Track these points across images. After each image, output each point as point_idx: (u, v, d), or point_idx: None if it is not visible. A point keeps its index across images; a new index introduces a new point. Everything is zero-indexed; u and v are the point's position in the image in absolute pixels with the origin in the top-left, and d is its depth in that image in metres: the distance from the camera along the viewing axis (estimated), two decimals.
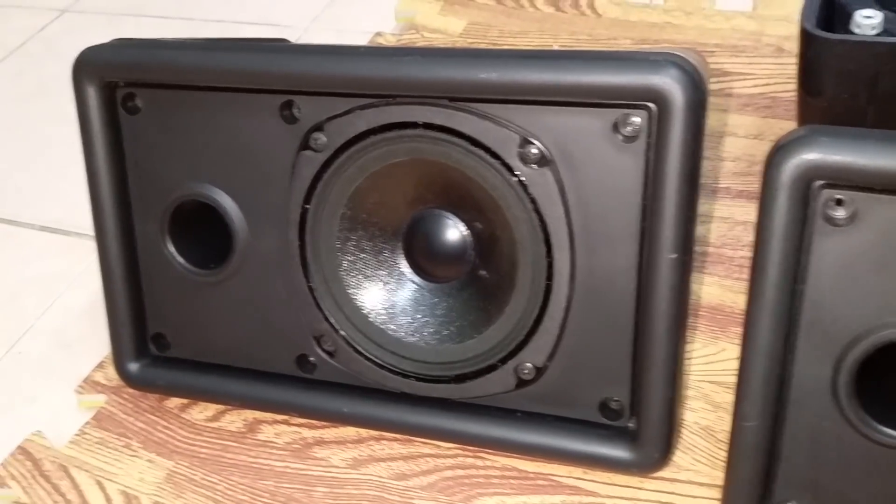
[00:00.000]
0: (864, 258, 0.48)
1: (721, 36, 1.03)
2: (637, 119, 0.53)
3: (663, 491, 0.61)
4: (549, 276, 0.58)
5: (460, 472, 0.65)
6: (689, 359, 0.68)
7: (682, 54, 0.53)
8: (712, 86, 0.94)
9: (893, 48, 0.58)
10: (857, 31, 0.59)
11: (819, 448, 0.52)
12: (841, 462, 0.51)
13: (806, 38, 0.60)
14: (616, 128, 0.54)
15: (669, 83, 0.51)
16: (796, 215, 0.48)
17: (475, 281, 0.63)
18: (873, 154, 0.47)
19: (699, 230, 0.76)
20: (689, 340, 0.70)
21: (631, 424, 0.59)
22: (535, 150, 0.55)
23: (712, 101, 0.93)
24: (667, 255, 0.54)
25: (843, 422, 0.50)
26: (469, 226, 0.62)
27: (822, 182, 0.48)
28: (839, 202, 0.48)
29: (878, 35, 0.59)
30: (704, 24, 1.06)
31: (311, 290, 0.63)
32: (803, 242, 0.49)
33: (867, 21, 0.58)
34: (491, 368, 0.62)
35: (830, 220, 0.48)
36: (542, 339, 0.60)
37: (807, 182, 0.48)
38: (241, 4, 1.32)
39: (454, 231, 0.62)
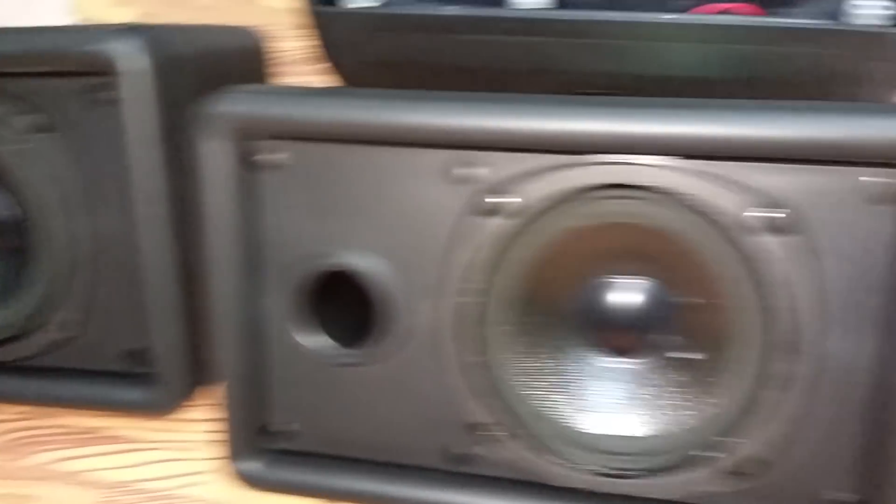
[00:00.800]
0: (302, 200, 0.54)
1: None
2: (106, 85, 0.57)
3: (193, 430, 0.66)
4: (36, 239, 0.62)
5: (22, 434, 0.68)
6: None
7: (151, 26, 0.58)
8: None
9: (379, 17, 0.64)
10: (352, 5, 0.66)
11: (297, 373, 0.57)
12: (313, 384, 0.57)
13: (308, 13, 0.65)
14: (93, 94, 0.58)
15: (116, 50, 0.56)
16: (231, 169, 0.53)
17: None
18: (299, 107, 0.52)
19: None
20: None
21: (153, 370, 0.64)
22: None
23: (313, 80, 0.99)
24: (145, 210, 0.59)
25: (300, 346, 0.56)
26: None
27: (253, 134, 0.53)
28: (273, 150, 0.53)
29: (378, 7, 0.66)
30: None
31: None
32: (247, 191, 0.54)
33: None
34: (33, 330, 0.65)
35: (266, 168, 0.54)
36: (69, 299, 0.63)
37: (239, 136, 0.53)
38: None
39: None
